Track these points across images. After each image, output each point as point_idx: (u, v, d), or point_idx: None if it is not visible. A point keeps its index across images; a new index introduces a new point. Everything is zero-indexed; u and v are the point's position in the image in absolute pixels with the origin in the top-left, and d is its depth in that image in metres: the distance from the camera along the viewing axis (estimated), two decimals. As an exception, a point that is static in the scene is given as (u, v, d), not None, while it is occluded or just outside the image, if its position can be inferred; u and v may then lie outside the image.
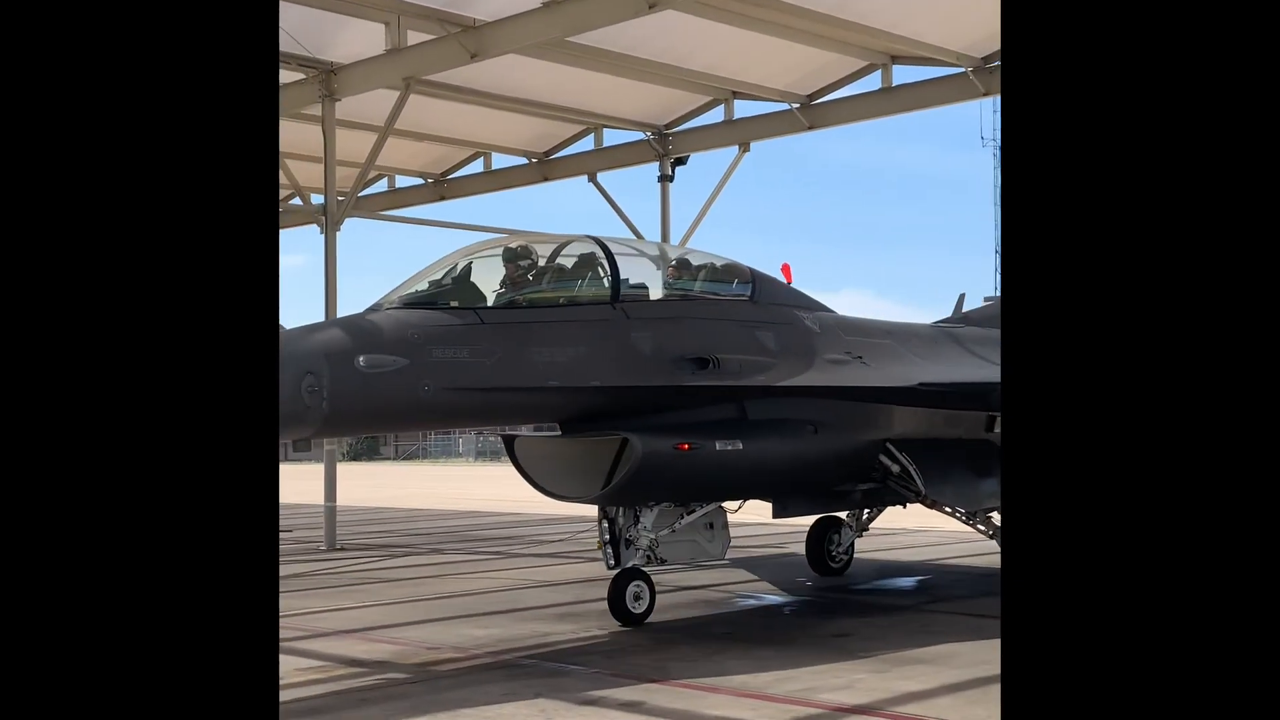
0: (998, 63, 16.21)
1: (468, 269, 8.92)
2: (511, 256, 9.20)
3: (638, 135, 20.76)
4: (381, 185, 24.31)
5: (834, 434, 10.25)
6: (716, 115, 20.08)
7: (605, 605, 9.81)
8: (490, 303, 8.84)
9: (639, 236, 19.86)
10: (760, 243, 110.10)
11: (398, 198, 24.22)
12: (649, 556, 9.84)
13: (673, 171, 20.70)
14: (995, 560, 12.03)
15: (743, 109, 19.79)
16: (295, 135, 19.38)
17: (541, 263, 9.39)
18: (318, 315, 16.03)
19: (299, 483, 29.39)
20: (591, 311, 9.20)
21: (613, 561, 9.80)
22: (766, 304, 10.42)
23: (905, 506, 11.87)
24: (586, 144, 21.47)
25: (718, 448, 9.45)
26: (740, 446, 9.57)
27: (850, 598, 11.67)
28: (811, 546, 12.93)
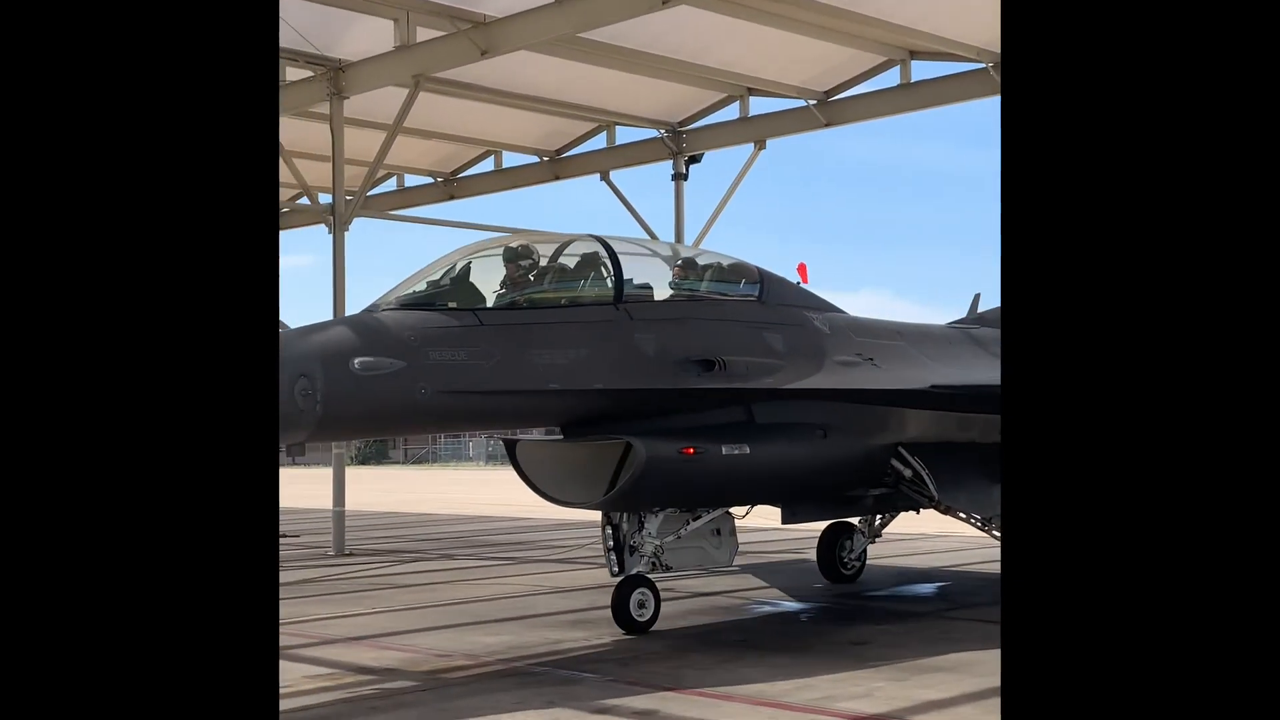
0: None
1: (467, 269, 8.89)
2: (512, 256, 9.17)
3: (651, 133, 20.74)
4: (390, 184, 24.39)
5: (844, 438, 10.19)
6: (731, 112, 20.05)
7: (614, 613, 9.79)
8: (490, 303, 8.81)
9: (653, 236, 19.85)
10: (776, 242, 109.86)
11: (407, 197, 24.28)
12: (654, 563, 9.79)
13: (687, 170, 20.67)
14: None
15: (758, 106, 19.76)
16: (303, 134, 19.48)
17: (543, 262, 9.35)
18: (325, 317, 16.05)
19: (306, 486, 29.59)
20: (594, 312, 9.15)
21: (617, 568, 9.76)
22: (774, 304, 10.37)
23: (918, 512, 11.80)
24: (599, 142, 21.48)
25: (724, 452, 9.40)
26: (747, 451, 9.52)
27: (868, 604, 11.64)
28: (823, 553, 12.86)
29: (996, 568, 13.62)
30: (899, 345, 11.25)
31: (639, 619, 9.65)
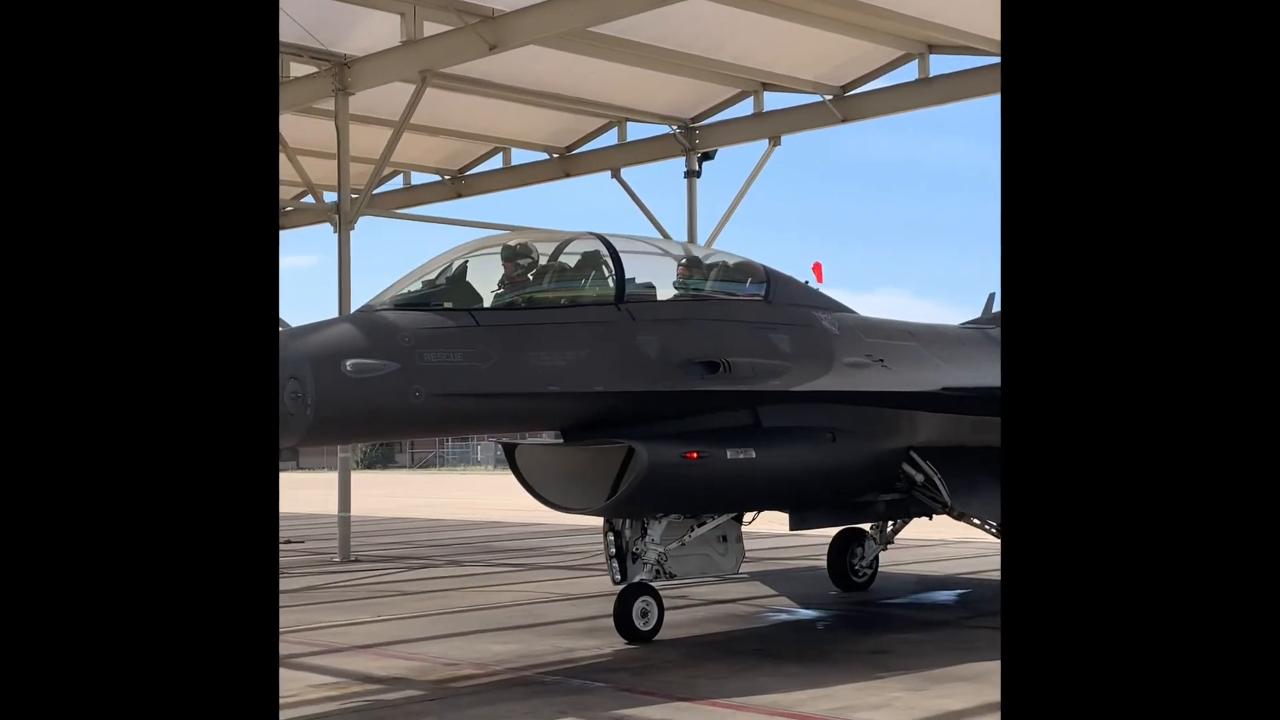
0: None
1: (463, 268, 8.82)
2: (510, 255, 9.10)
3: (663, 129, 20.67)
4: (397, 182, 24.39)
5: (853, 441, 10.10)
6: (745, 108, 19.99)
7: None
8: (487, 303, 8.75)
9: (665, 235, 19.79)
10: (792, 241, 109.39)
11: (413, 195, 24.27)
12: (657, 571, 9.73)
13: (699, 166, 20.61)
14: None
15: (773, 101, 19.69)
16: (307, 131, 19.49)
17: (542, 261, 9.29)
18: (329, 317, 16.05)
19: (311, 492, 29.66)
20: (594, 313, 9.08)
21: (619, 576, 9.69)
22: (781, 304, 10.28)
23: (931, 518, 11.72)
24: (610, 138, 21.44)
25: (729, 456, 9.33)
26: (753, 455, 9.44)
27: (886, 612, 11.60)
28: (833, 560, 12.79)
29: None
30: (910, 346, 11.16)
31: (641, 628, 9.58)
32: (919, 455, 10.59)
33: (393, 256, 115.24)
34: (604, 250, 9.38)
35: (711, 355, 9.38)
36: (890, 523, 12.52)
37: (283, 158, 16.95)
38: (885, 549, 13.00)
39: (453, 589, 13.91)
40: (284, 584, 14.02)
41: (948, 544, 17.08)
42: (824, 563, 13.06)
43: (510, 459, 10.01)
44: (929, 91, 18.06)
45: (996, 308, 13.34)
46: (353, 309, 16.51)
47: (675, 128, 20.50)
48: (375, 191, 20.22)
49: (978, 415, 10.83)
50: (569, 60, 17.36)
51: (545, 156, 22.29)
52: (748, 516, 10.64)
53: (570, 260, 9.46)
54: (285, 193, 22.94)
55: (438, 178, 23.80)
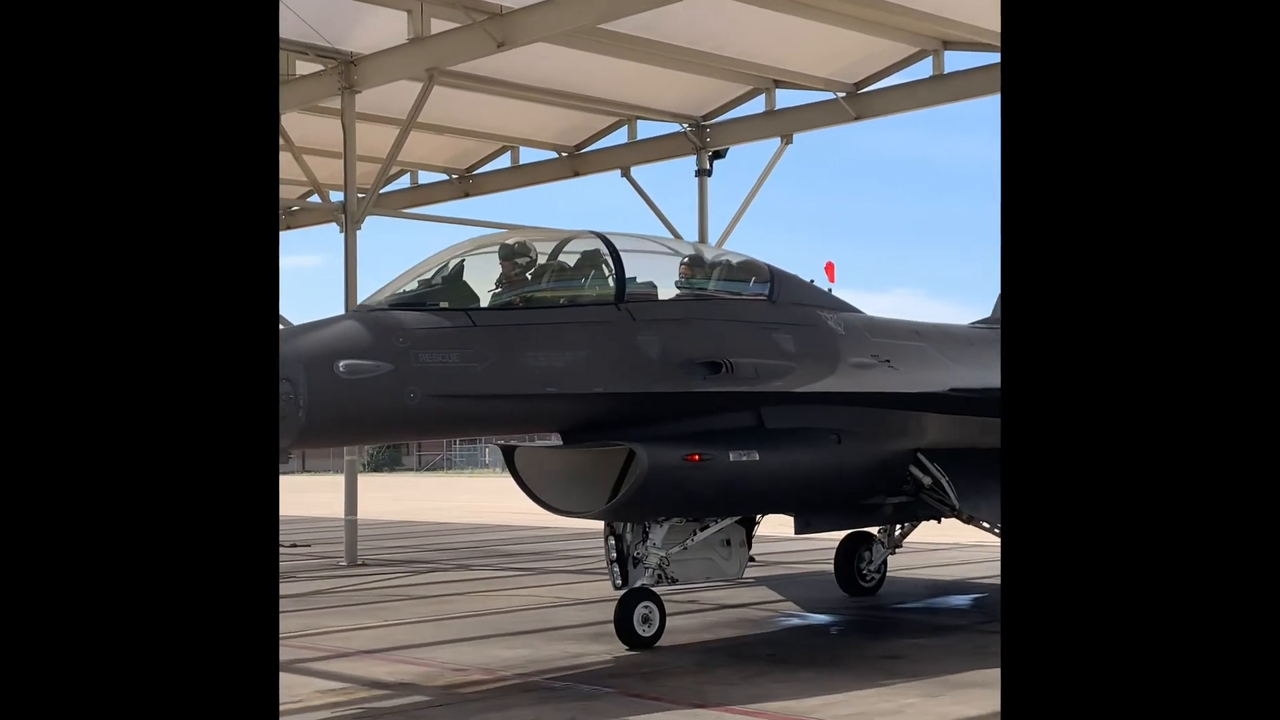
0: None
1: (460, 267, 8.82)
2: (508, 254, 9.09)
3: (674, 127, 20.63)
4: (404, 181, 24.40)
5: (859, 443, 10.07)
6: (757, 105, 19.92)
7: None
8: (484, 303, 8.74)
9: (675, 235, 19.77)
10: (804, 240, 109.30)
11: (421, 194, 24.27)
12: (659, 575, 9.70)
13: (710, 165, 20.54)
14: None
15: (785, 99, 19.64)
16: (313, 129, 19.50)
17: (541, 260, 9.28)
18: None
19: (318, 495, 29.77)
20: (594, 313, 9.06)
21: (620, 581, 9.67)
22: (786, 304, 10.25)
23: (940, 522, 11.68)
24: (619, 137, 21.42)
25: (732, 459, 9.30)
26: (757, 457, 9.41)
27: (899, 617, 11.59)
28: (840, 564, 12.75)
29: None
30: (918, 346, 11.12)
31: (643, 634, 9.56)
32: (926, 457, 10.55)
33: (400, 256, 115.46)
34: (604, 249, 9.36)
35: (714, 355, 9.35)
36: (898, 526, 12.48)
37: (288, 157, 16.98)
38: (893, 553, 12.96)
39: (460, 593, 13.94)
40: (290, 588, 14.06)
41: (961, 548, 17.02)
42: (831, 567, 13.03)
43: (509, 461, 10.00)
44: (943, 88, 17.99)
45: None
46: (354, 309, 16.65)
47: (686, 126, 20.47)
48: (382, 191, 20.21)
49: (986, 416, 10.78)
50: (578, 58, 17.35)
51: (554, 155, 22.28)
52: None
53: (569, 259, 9.45)
54: (291, 192, 22.97)
55: (445, 177, 23.81)
